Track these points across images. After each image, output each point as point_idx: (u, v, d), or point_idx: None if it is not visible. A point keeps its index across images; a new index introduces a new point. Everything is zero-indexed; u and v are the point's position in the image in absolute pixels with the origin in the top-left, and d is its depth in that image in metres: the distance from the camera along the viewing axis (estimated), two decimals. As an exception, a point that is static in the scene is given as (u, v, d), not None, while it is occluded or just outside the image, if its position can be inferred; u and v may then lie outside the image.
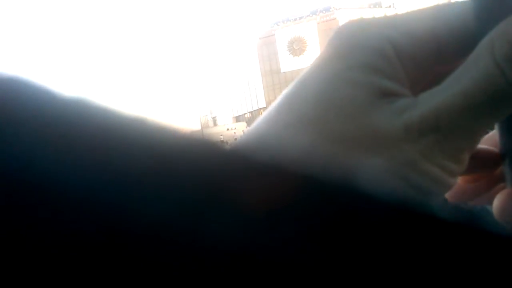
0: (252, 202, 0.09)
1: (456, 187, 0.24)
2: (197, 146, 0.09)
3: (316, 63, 0.18)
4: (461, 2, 0.18)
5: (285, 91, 0.18)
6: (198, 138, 0.09)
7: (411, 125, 0.16)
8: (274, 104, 0.18)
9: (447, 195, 0.24)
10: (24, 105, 0.07)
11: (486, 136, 0.23)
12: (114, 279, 0.07)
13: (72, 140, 0.07)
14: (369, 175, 0.16)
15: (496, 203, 0.22)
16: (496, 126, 0.21)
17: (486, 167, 0.23)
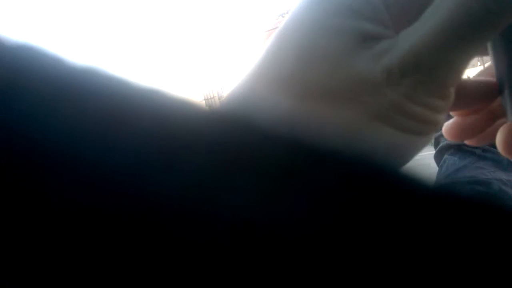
0: (261, 170, 0.09)
1: (455, 125, 0.23)
2: (205, 116, 0.09)
3: (296, 10, 0.18)
4: None
5: (267, 44, 0.18)
6: (205, 109, 0.09)
7: (392, 67, 0.16)
8: (257, 59, 0.18)
9: (447, 135, 0.23)
10: (35, 73, 0.07)
11: (486, 67, 0.23)
12: (127, 249, 0.07)
13: (84, 109, 0.07)
14: (356, 125, 0.16)
15: (499, 138, 0.22)
16: (490, 54, 0.20)
17: (484, 99, 0.22)
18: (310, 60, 0.16)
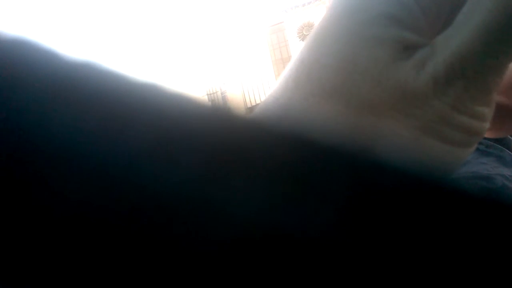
0: (275, 173, 0.09)
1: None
2: (215, 114, 0.09)
3: (330, 18, 0.17)
4: None
5: (299, 55, 0.17)
6: (216, 106, 0.09)
7: (438, 76, 0.15)
8: (290, 71, 0.17)
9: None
10: (31, 68, 0.07)
11: None
12: (127, 249, 0.07)
13: (81, 105, 0.07)
14: (402, 139, 0.15)
15: None
16: None
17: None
18: (351, 73, 0.16)
